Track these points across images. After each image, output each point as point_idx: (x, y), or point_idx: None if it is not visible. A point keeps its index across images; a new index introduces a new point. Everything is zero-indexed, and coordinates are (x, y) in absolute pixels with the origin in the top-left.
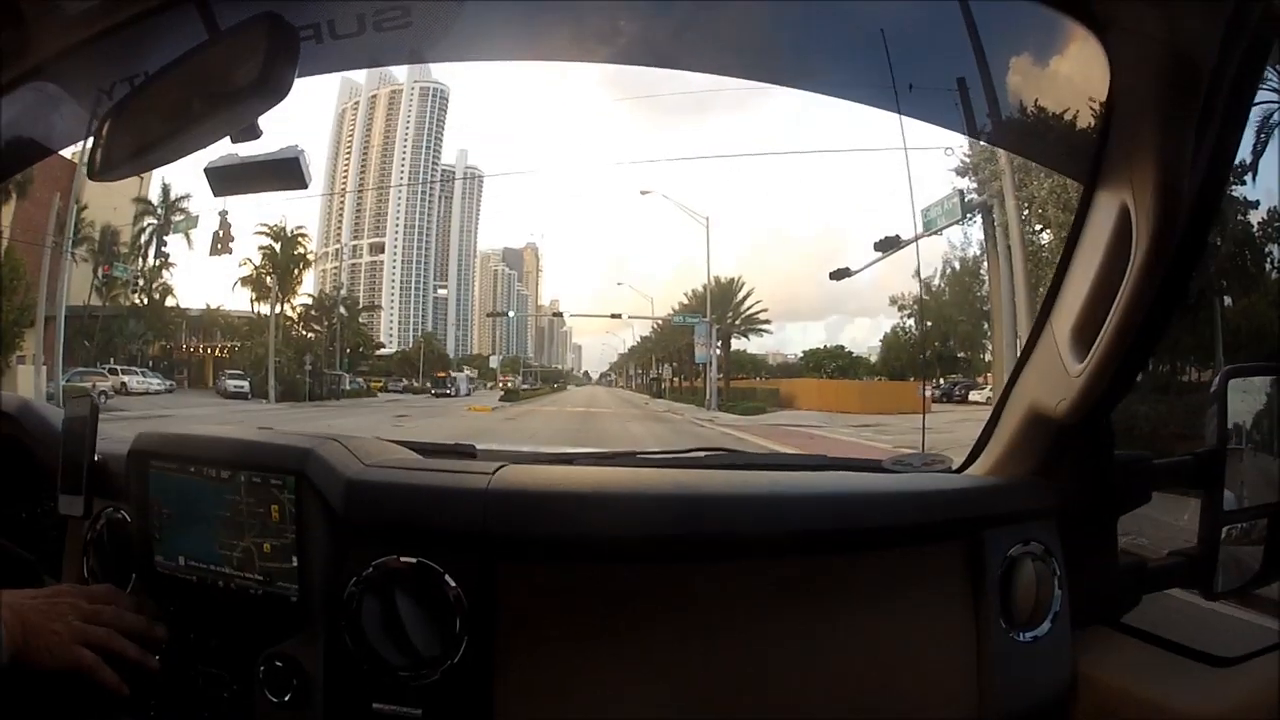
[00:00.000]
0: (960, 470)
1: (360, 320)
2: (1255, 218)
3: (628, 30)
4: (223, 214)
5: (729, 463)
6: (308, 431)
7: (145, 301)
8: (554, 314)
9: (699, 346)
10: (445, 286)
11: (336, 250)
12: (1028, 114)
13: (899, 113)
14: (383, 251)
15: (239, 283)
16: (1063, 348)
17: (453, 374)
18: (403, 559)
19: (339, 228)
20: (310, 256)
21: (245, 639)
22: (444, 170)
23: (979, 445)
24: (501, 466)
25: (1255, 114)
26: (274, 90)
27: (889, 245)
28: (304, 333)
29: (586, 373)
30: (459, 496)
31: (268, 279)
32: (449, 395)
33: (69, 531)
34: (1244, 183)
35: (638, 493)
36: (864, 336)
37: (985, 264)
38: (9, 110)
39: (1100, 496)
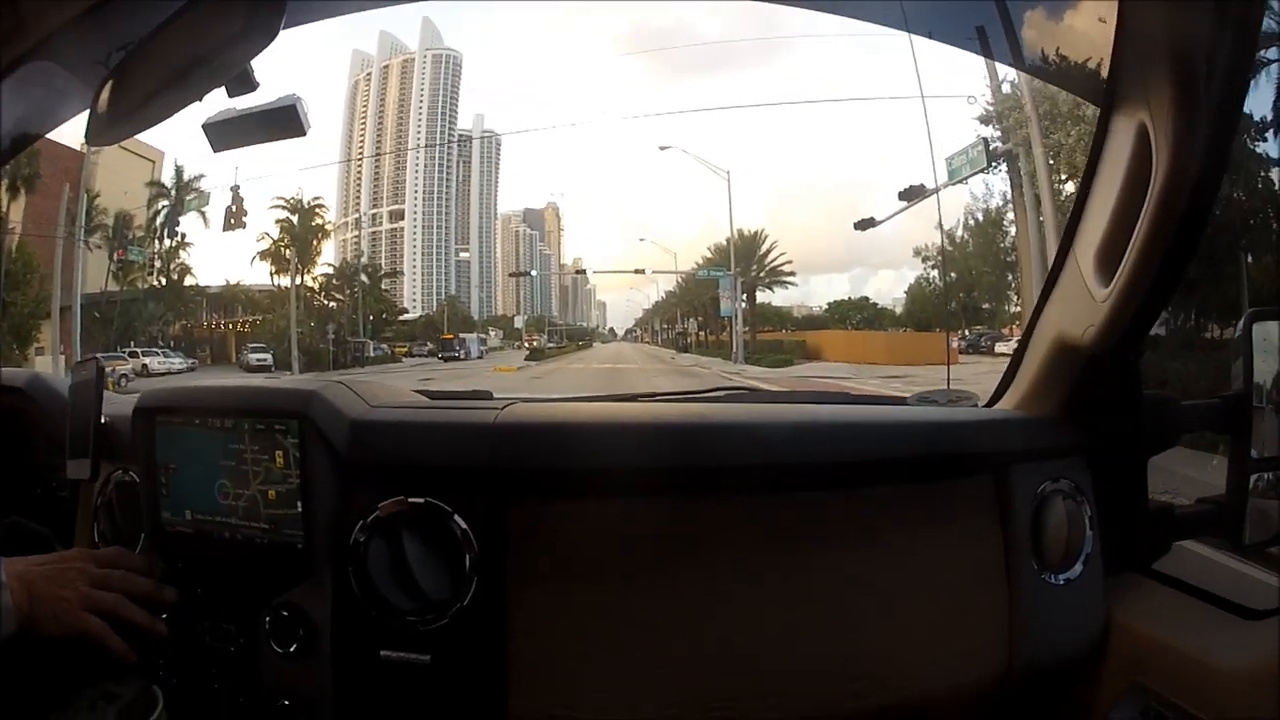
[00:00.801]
0: (988, 406)
1: (382, 287)
2: None
3: None
4: (235, 189)
5: (747, 398)
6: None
7: (163, 282)
8: (577, 271)
9: (724, 299)
10: (467, 250)
11: (356, 220)
12: (1042, 34)
13: (908, 31)
14: (403, 218)
15: (258, 257)
16: (1087, 275)
17: (461, 335)
18: (409, 500)
19: (358, 197)
20: (328, 227)
21: (252, 590)
22: (461, 135)
23: (1005, 381)
24: (509, 404)
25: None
26: (261, 36)
27: (914, 195)
28: (326, 303)
29: (612, 329)
30: (464, 432)
31: (286, 252)
32: (458, 358)
33: (80, 498)
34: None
35: (646, 424)
36: (888, 288)
37: (1011, 213)
38: (9, 92)
39: (1130, 436)
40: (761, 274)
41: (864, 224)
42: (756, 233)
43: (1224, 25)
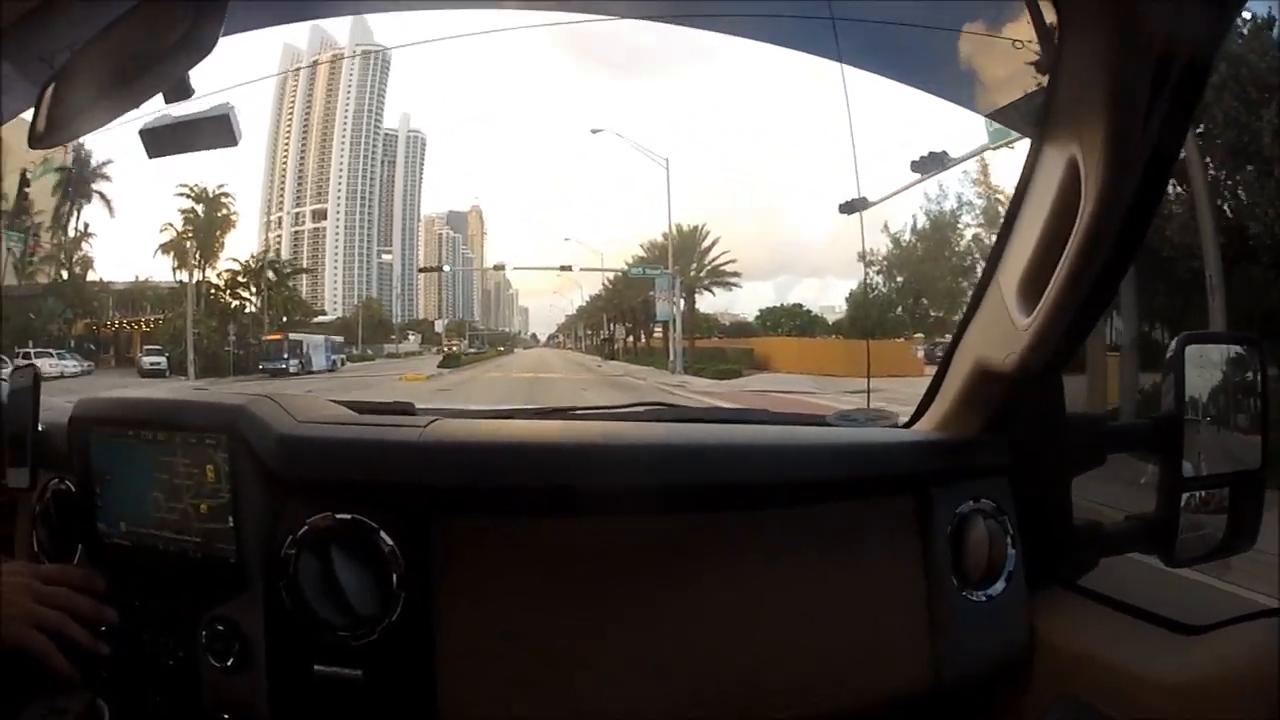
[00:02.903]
0: (907, 426)
1: (289, 285)
2: None
3: None
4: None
5: (669, 416)
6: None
7: (65, 277)
8: (496, 268)
9: (660, 301)
10: (390, 251)
11: (279, 218)
12: (976, 69)
13: (840, 63)
14: (325, 218)
15: (159, 250)
16: (1010, 301)
17: (296, 338)
18: (336, 515)
19: (281, 195)
20: (234, 218)
21: (187, 603)
22: (386, 134)
23: (925, 401)
24: (434, 420)
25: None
26: (201, 46)
27: (929, 166)
28: (230, 301)
29: (534, 335)
30: (391, 449)
31: (188, 244)
32: (285, 372)
33: (19, 507)
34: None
35: (569, 444)
36: (814, 296)
37: (965, 216)
38: None
39: (1052, 455)
40: (702, 274)
41: (852, 206)
42: (697, 228)
43: (1164, 80)
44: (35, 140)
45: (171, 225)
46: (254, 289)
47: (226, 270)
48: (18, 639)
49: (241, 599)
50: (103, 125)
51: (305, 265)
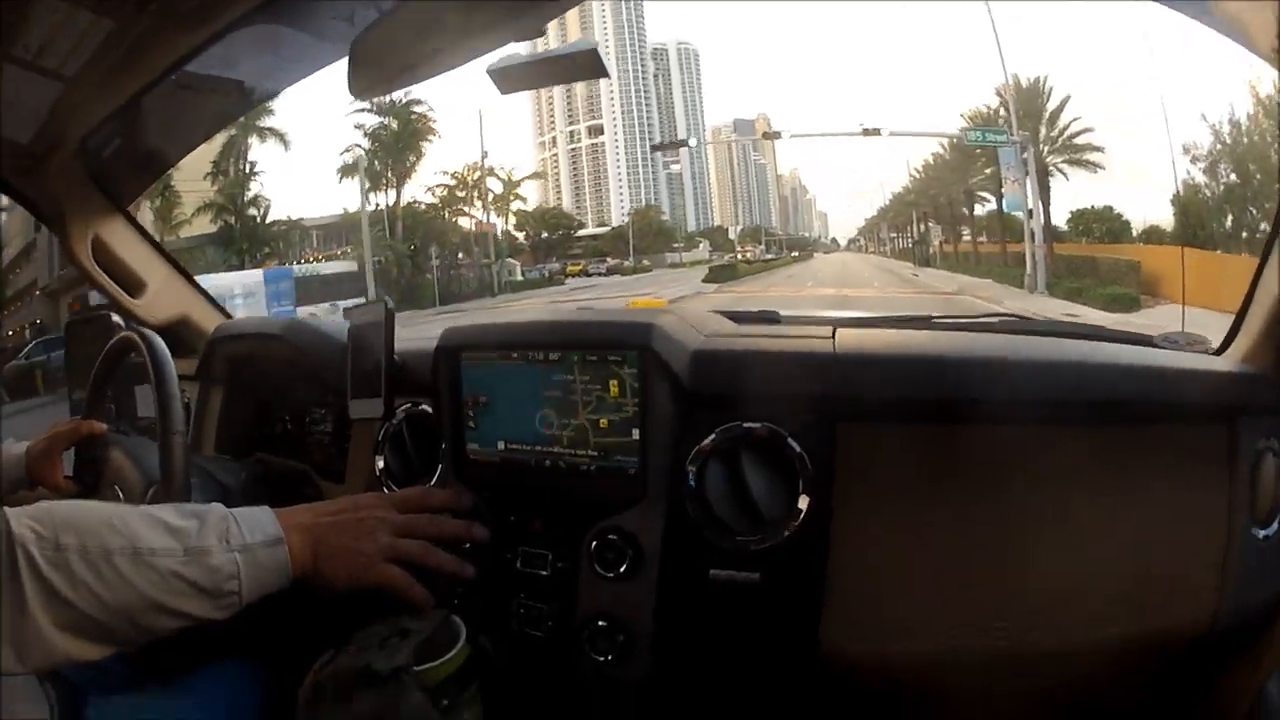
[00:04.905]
0: (1218, 353)
1: (517, 194)
2: None
3: None
4: None
5: (1021, 328)
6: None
7: (235, 223)
8: (766, 135)
9: (1008, 184)
10: (677, 161)
11: (553, 138)
12: None
13: None
14: (602, 133)
15: (341, 176)
16: None
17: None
18: (744, 425)
19: (552, 116)
20: (432, 124)
21: (574, 516)
22: (655, 49)
23: (1234, 328)
24: (835, 329)
25: None
26: None
27: None
28: (443, 219)
29: (834, 239)
30: (805, 360)
31: (376, 163)
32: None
33: (354, 435)
34: None
35: (964, 357)
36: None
37: None
38: (226, 53)
39: None
40: (1056, 145)
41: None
42: (1040, 80)
43: None
44: (359, 89)
45: (357, 145)
46: (479, 202)
47: (439, 185)
48: (379, 579)
49: (638, 509)
50: (446, 70)
51: (586, 180)
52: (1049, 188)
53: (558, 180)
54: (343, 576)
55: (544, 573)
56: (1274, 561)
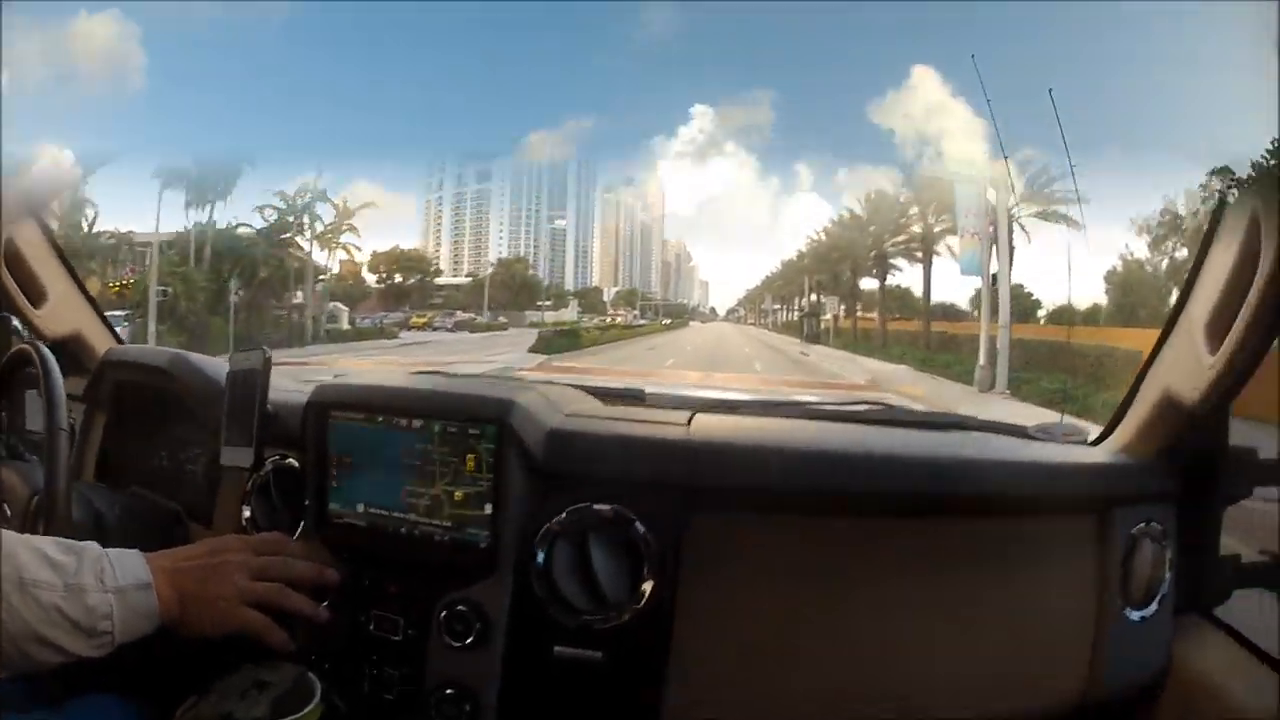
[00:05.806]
0: (1095, 444)
1: (351, 226)
2: None
3: None
4: None
5: (889, 418)
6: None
7: None
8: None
9: (965, 237)
10: (563, 216)
11: (440, 180)
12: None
13: None
14: (490, 179)
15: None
16: (1198, 336)
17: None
18: (595, 506)
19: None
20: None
21: (426, 585)
22: None
23: (1114, 421)
24: (692, 416)
25: None
26: None
27: None
28: (260, 248)
29: (713, 308)
30: (659, 447)
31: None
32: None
33: (224, 480)
34: None
35: (823, 449)
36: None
37: None
38: None
39: (1213, 484)
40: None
41: None
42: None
43: None
44: None
45: None
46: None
47: (268, 206)
48: (232, 622)
49: (488, 582)
50: None
51: (468, 228)
52: (1014, 246)
53: (439, 224)
54: (206, 623)
55: (395, 638)
56: (1151, 640)
